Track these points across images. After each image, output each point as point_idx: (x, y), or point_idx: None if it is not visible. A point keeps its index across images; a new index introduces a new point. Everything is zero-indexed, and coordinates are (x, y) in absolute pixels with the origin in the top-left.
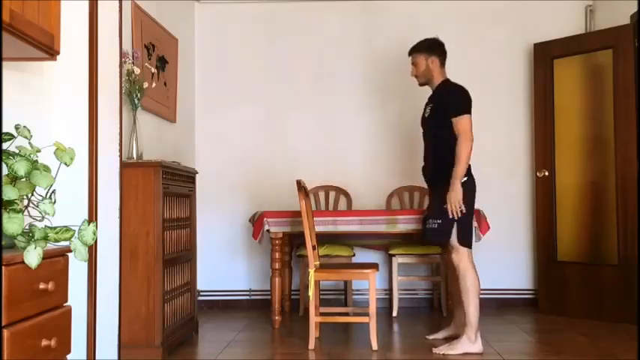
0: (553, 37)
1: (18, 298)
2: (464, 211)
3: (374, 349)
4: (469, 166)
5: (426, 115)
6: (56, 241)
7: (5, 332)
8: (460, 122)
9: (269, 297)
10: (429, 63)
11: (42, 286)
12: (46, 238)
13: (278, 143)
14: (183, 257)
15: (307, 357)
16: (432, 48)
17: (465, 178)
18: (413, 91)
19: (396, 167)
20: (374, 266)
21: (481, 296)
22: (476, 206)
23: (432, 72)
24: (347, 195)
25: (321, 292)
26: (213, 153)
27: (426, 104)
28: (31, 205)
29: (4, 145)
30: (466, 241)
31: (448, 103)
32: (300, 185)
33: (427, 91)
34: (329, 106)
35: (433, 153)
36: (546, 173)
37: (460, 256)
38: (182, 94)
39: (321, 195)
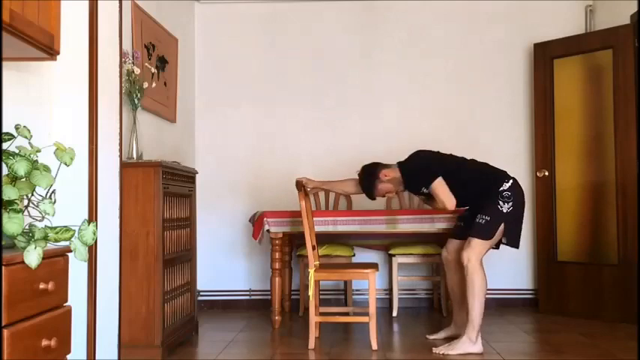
0: (553, 37)
1: (18, 298)
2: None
3: (374, 349)
4: (508, 177)
5: (426, 191)
6: (56, 241)
7: (5, 332)
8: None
9: (269, 297)
10: (386, 178)
11: (42, 286)
12: (46, 238)
13: (278, 143)
14: (183, 257)
15: (307, 357)
16: (374, 172)
17: (510, 182)
18: (412, 92)
19: None
20: (374, 266)
21: None
22: None
23: (394, 178)
24: (347, 195)
25: (321, 292)
26: (213, 153)
27: (410, 193)
28: (31, 205)
29: (4, 145)
30: (513, 241)
31: (420, 181)
32: (300, 185)
33: (427, 92)
34: (329, 106)
35: (464, 198)
36: (546, 173)
37: (470, 253)
38: (182, 94)
39: (321, 195)
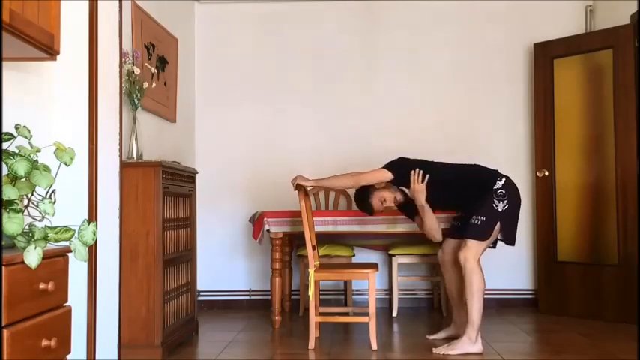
0: (553, 37)
1: (18, 298)
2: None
3: (374, 348)
4: (500, 176)
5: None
6: (56, 241)
7: (5, 332)
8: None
9: (269, 297)
10: (381, 186)
11: (42, 286)
12: (46, 238)
13: (278, 143)
14: (183, 257)
15: (307, 357)
16: (368, 188)
17: (503, 181)
18: (412, 92)
19: None
20: (374, 266)
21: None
22: None
23: (387, 185)
24: (347, 195)
25: (321, 292)
26: (213, 153)
27: (399, 205)
28: (31, 205)
29: (4, 145)
30: (509, 239)
31: (396, 178)
32: (300, 185)
33: (427, 92)
34: (329, 106)
35: (456, 202)
36: (546, 173)
37: (467, 253)
38: (182, 94)
39: (321, 195)
